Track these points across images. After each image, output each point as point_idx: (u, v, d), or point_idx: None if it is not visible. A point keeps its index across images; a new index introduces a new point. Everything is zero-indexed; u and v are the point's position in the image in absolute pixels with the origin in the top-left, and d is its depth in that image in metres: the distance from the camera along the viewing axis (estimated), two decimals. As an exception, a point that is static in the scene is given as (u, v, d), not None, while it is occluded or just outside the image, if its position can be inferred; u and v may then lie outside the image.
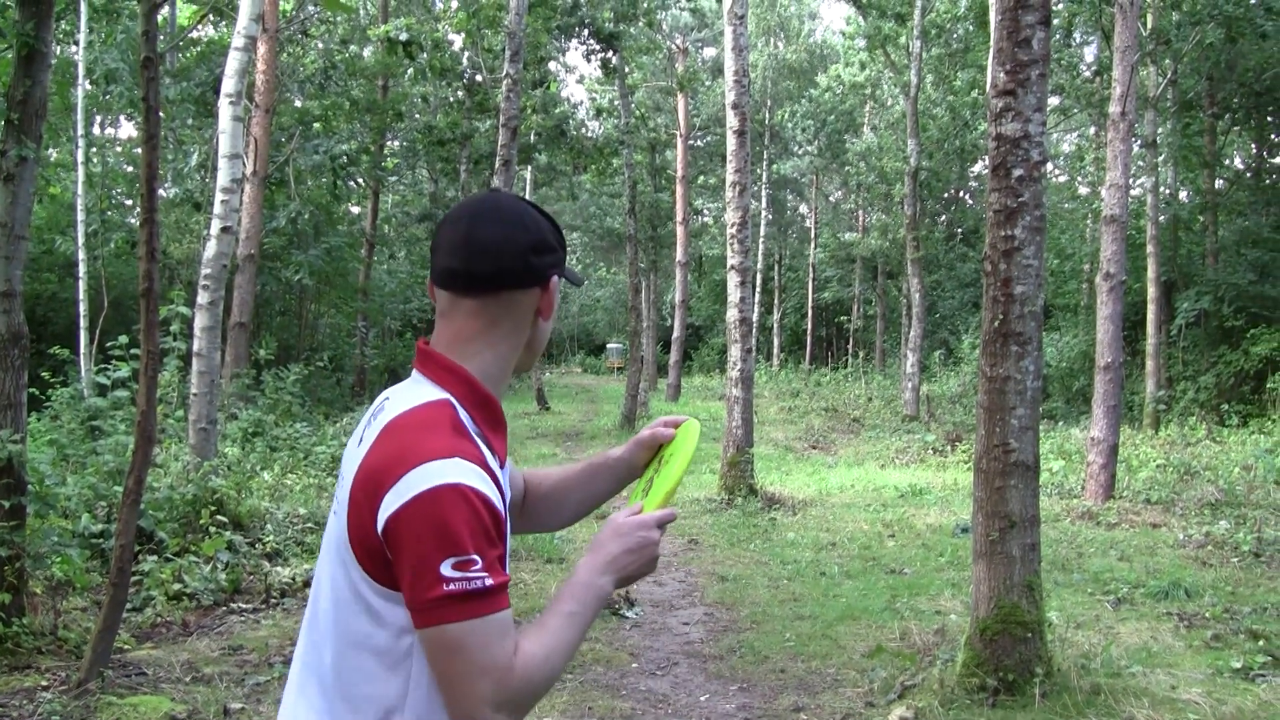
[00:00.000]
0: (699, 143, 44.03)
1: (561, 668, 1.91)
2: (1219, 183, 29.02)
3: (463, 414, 1.95)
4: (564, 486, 2.45)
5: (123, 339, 12.26)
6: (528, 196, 36.63)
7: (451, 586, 1.75)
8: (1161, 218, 24.65)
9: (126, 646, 7.21)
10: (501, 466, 2.02)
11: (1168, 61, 23.71)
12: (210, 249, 12.36)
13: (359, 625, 1.89)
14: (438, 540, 1.75)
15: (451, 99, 25.19)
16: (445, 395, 1.97)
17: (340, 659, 1.92)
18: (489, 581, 1.77)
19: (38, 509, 7.32)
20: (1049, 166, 38.82)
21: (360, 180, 26.30)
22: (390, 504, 1.79)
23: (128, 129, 32.82)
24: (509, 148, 11.56)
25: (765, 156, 45.61)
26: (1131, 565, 10.51)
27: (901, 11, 27.85)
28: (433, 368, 2.02)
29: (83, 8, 19.56)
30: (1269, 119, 28.52)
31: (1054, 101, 29.70)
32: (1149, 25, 21.84)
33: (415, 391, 2.00)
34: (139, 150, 6.63)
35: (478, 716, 1.79)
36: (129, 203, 25.55)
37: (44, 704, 5.96)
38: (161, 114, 12.92)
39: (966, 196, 51.61)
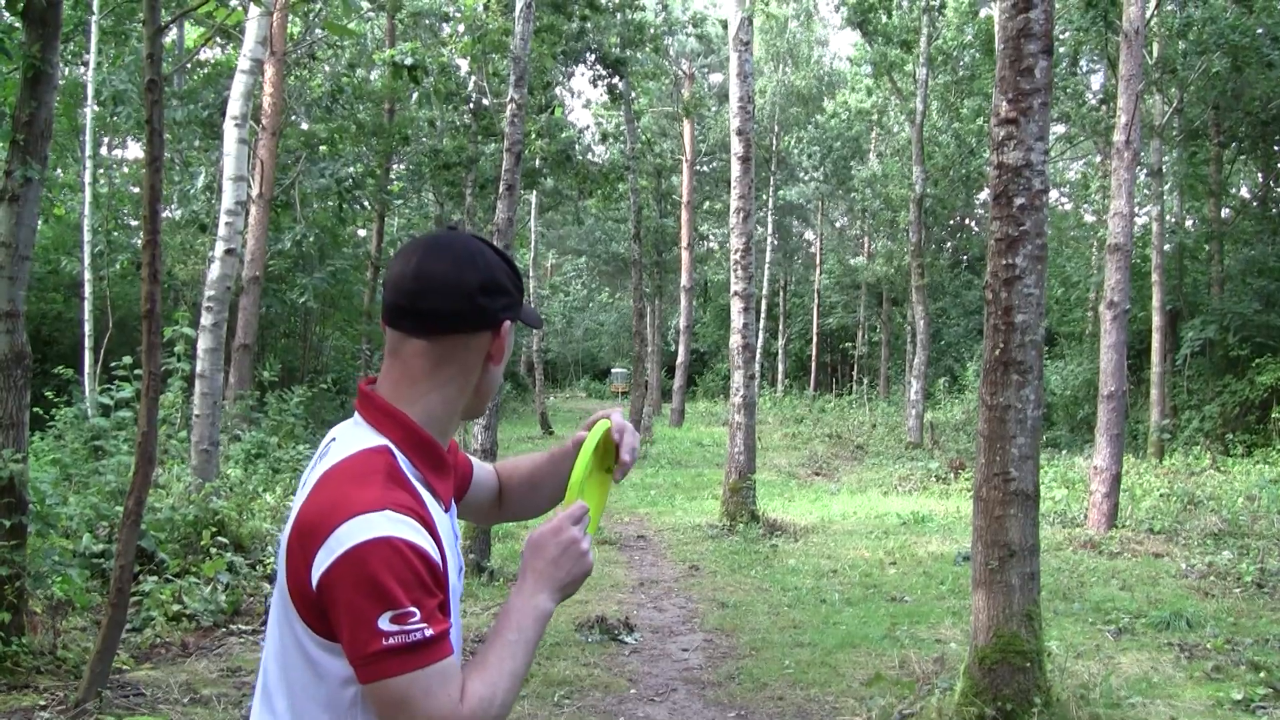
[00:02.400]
0: (705, 168, 44.06)
1: (512, 698, 1.86)
2: (1225, 211, 28.99)
3: (401, 460, 1.92)
4: (536, 476, 2.44)
5: (127, 359, 12.26)
6: (533, 221, 36.74)
7: (390, 641, 1.72)
8: (1167, 246, 24.65)
9: (125, 667, 7.21)
10: (446, 509, 2.00)
11: (1173, 90, 23.73)
12: (214, 271, 12.39)
13: (303, 676, 1.87)
14: (372, 596, 1.73)
15: (457, 123, 25.20)
16: (383, 441, 1.92)
17: (292, 709, 1.90)
18: (428, 632, 1.74)
19: (39, 528, 7.32)
20: (1054, 194, 38.98)
21: (366, 203, 26.30)
22: (323, 560, 1.76)
23: (135, 150, 32.91)
24: (513, 172, 11.57)
25: (771, 182, 45.65)
26: (1133, 595, 10.48)
27: (908, 39, 27.92)
28: (372, 411, 1.98)
29: (92, 29, 19.65)
30: (1275, 148, 28.51)
31: (1060, 129, 29.79)
32: (1155, 54, 21.90)
33: (354, 437, 1.96)
34: (144, 172, 6.64)
35: None
36: (135, 224, 25.57)
37: (41, 724, 5.95)
38: (167, 136, 12.97)
39: (972, 224, 51.61)
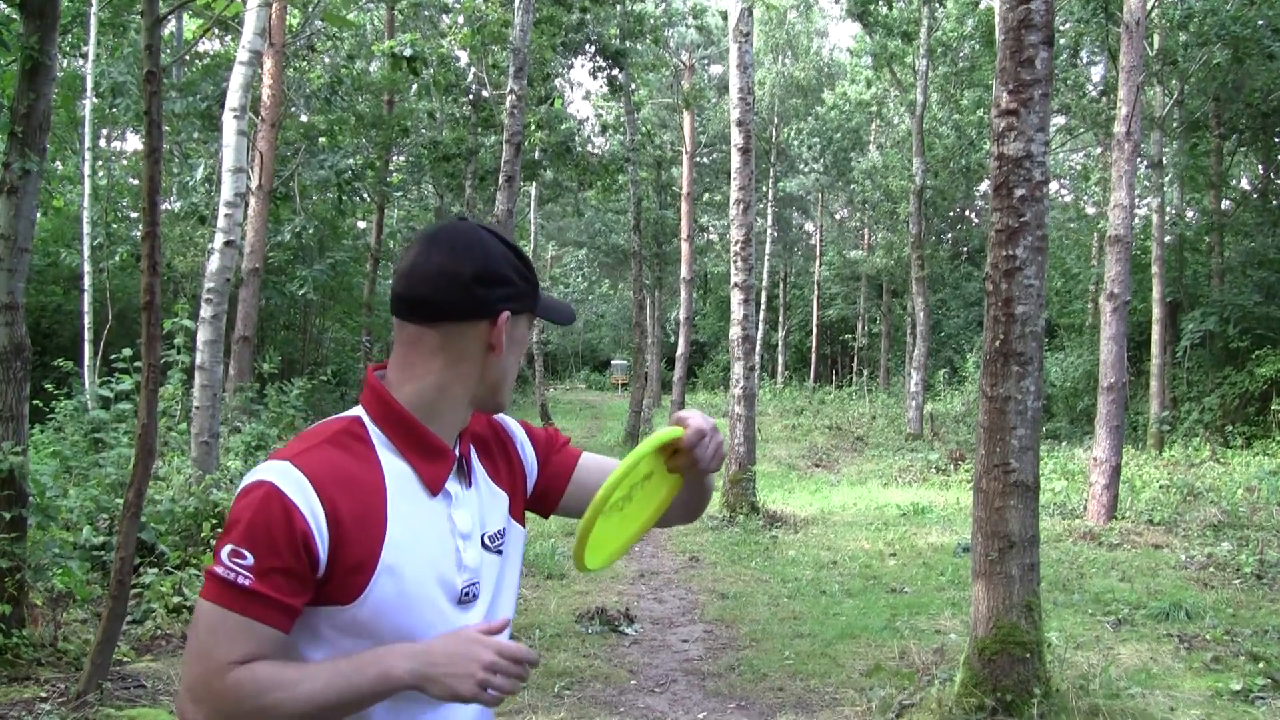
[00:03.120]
0: (705, 160, 44.01)
1: (291, 710, 1.78)
2: (1225, 203, 28.99)
3: (372, 429, 1.97)
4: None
5: (126, 351, 12.27)
6: (533, 213, 36.71)
7: (217, 569, 1.78)
8: (1167, 238, 24.65)
9: (126, 659, 7.21)
10: (433, 494, 1.98)
11: (1174, 82, 23.72)
12: (214, 263, 12.38)
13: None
14: (229, 525, 1.80)
15: (457, 115, 25.21)
16: (357, 412, 1.99)
17: None
18: (245, 581, 1.76)
19: (39, 521, 7.32)
20: (1054, 186, 38.92)
21: (365, 195, 26.26)
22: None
23: (134, 142, 32.88)
24: (513, 163, 11.57)
25: (771, 174, 45.59)
26: (1132, 586, 10.49)
27: (908, 30, 27.89)
28: (364, 388, 2.04)
29: (91, 21, 19.61)
30: (1276, 140, 28.48)
31: (1060, 121, 29.76)
32: (1155, 46, 21.88)
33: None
34: (143, 164, 6.63)
35: (180, 697, 1.82)
36: (134, 216, 25.54)
37: (43, 715, 5.96)
38: (166, 128, 12.95)
39: (972, 215, 51.58)
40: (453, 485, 2.03)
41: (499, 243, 2.02)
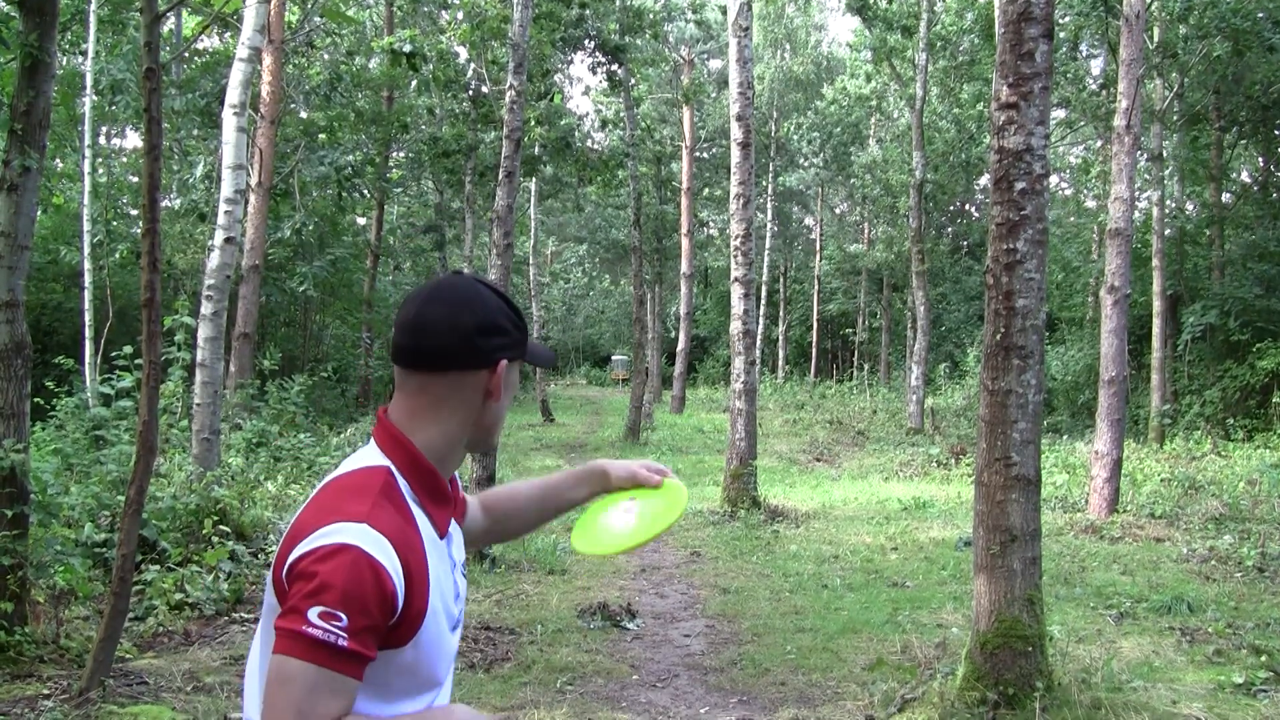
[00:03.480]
0: (704, 155, 44.03)
1: None
2: (1226, 196, 28.94)
3: (401, 482, 2.03)
4: (515, 509, 2.62)
5: (127, 349, 12.27)
6: (532, 208, 36.68)
7: (309, 630, 1.79)
8: (1168, 231, 24.62)
9: (128, 655, 7.21)
10: (442, 536, 2.11)
11: (1174, 74, 23.69)
12: (214, 259, 12.38)
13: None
14: (317, 588, 1.81)
15: (456, 110, 25.19)
16: (385, 463, 2.04)
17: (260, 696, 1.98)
18: (343, 642, 1.80)
19: (41, 518, 7.32)
20: (1055, 179, 38.90)
21: (365, 191, 26.28)
22: (298, 550, 1.86)
23: (134, 139, 32.88)
24: (512, 159, 11.56)
25: (771, 168, 45.60)
26: (1134, 579, 10.49)
27: (908, 24, 27.89)
28: (383, 435, 2.09)
29: (90, 18, 19.62)
30: (1276, 132, 28.44)
31: (1060, 114, 29.71)
32: (1155, 38, 21.85)
33: (362, 455, 2.10)
34: (143, 161, 6.63)
35: None
36: (134, 213, 25.57)
37: (45, 712, 5.96)
38: (166, 125, 12.95)
39: (972, 209, 51.60)
40: (452, 525, 2.19)
41: (494, 295, 2.13)
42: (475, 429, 2.13)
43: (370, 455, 2.07)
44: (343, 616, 1.79)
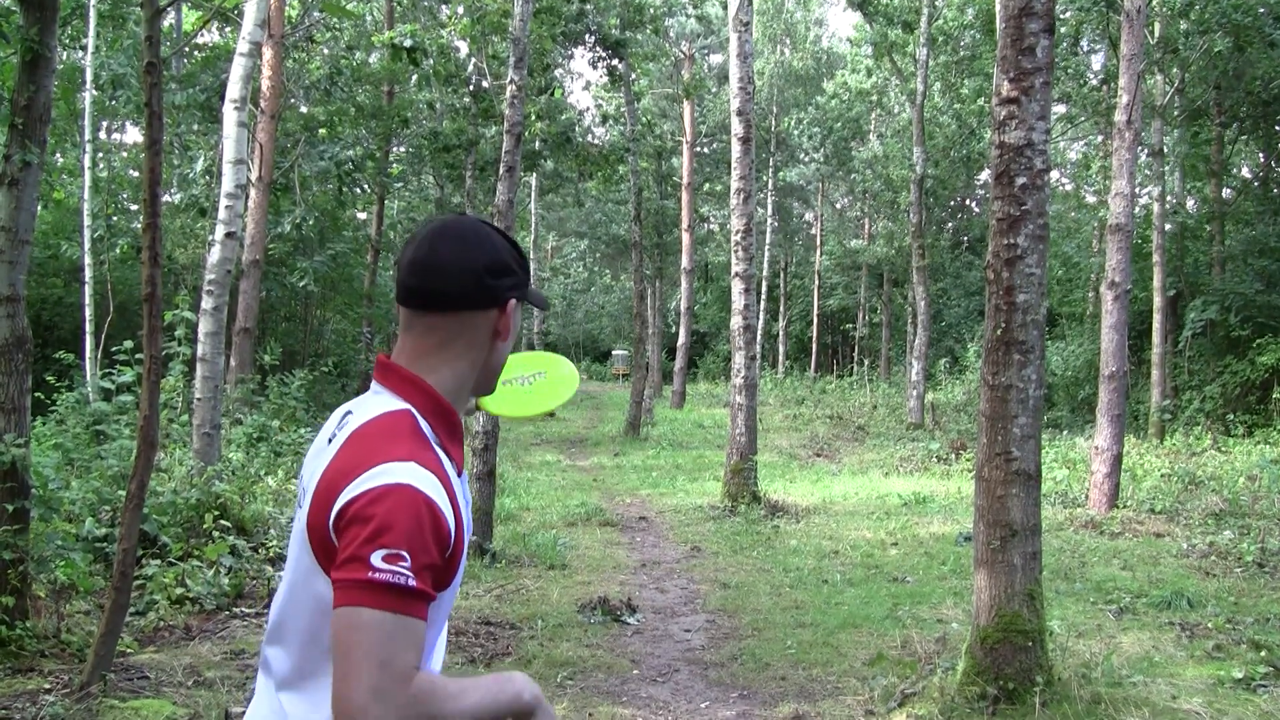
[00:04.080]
0: (705, 149, 44.00)
1: (452, 717, 1.85)
2: (1226, 192, 28.92)
3: (423, 423, 2.01)
4: None
5: (128, 343, 12.26)
6: (533, 203, 36.69)
7: (376, 575, 1.75)
8: (1168, 226, 24.60)
9: (129, 650, 7.22)
10: (459, 475, 2.08)
11: (1175, 70, 23.69)
12: (214, 254, 12.38)
13: (312, 621, 1.93)
14: (376, 530, 1.78)
15: (457, 105, 25.16)
16: (406, 405, 2.02)
17: (301, 658, 1.97)
18: (412, 582, 1.77)
19: (41, 513, 7.33)
20: (1055, 175, 38.88)
21: (366, 186, 26.27)
22: (345, 495, 1.83)
23: (134, 134, 32.87)
24: (513, 154, 11.55)
25: (771, 163, 45.59)
26: (1134, 575, 10.50)
27: (909, 19, 27.88)
28: (393, 379, 2.06)
29: (90, 13, 19.60)
30: (1277, 128, 28.43)
31: (1060, 109, 29.69)
32: (1156, 34, 21.83)
33: (376, 402, 2.05)
34: (144, 155, 6.63)
35: (355, 700, 1.73)
36: (134, 208, 25.54)
37: (46, 707, 5.96)
38: (166, 120, 12.96)
39: (973, 204, 51.57)
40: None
41: (498, 234, 2.12)
42: (483, 369, 2.13)
43: (385, 401, 2.04)
44: (406, 556, 1.77)
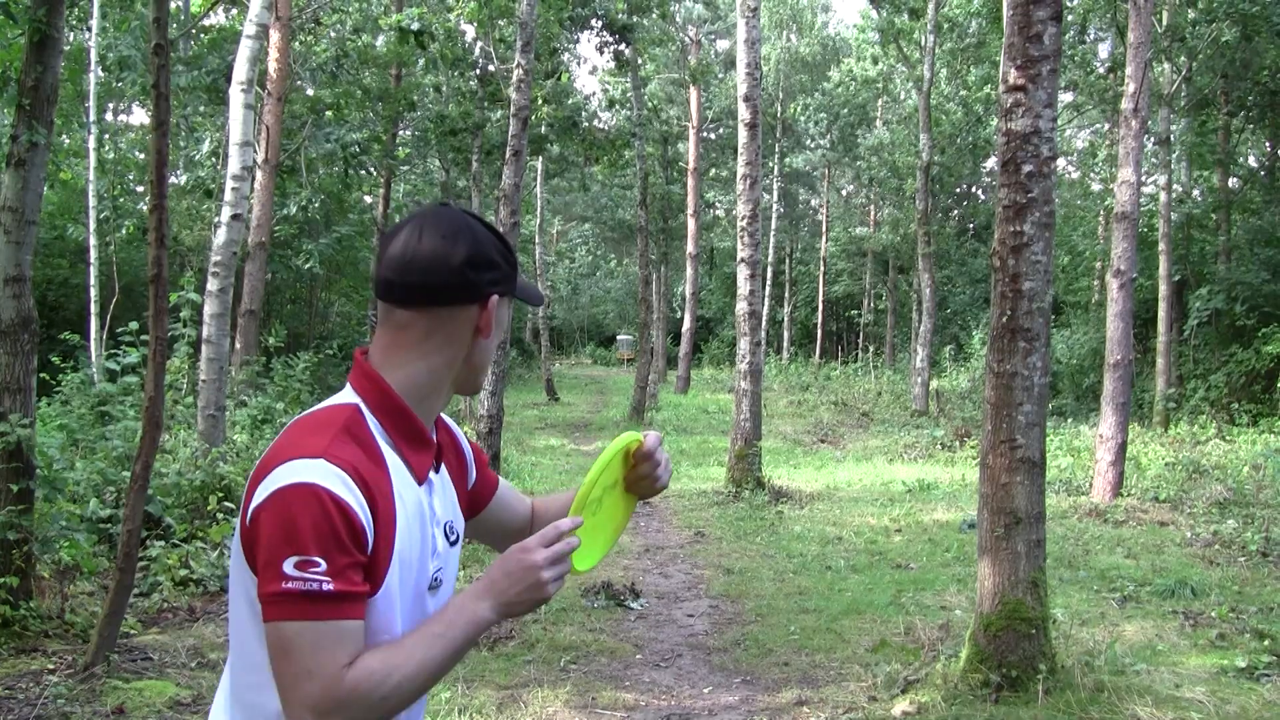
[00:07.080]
0: (711, 135, 43.99)
1: (413, 688, 1.84)
2: (1233, 181, 28.89)
3: (370, 421, 1.95)
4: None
5: (133, 325, 12.28)
6: (539, 187, 36.65)
7: (289, 585, 1.73)
8: (1174, 215, 24.56)
9: (133, 631, 7.23)
10: (420, 482, 2.00)
11: (1182, 58, 23.64)
12: (221, 236, 12.38)
13: (245, 628, 1.89)
14: (285, 537, 1.75)
15: (463, 89, 25.12)
16: (355, 401, 1.97)
17: (236, 662, 1.94)
18: (328, 586, 1.74)
19: (46, 493, 7.34)
20: (1061, 163, 38.81)
21: (372, 169, 26.24)
22: (256, 498, 1.80)
23: (140, 116, 32.91)
24: (519, 138, 11.55)
25: (777, 149, 45.56)
26: (1138, 563, 10.50)
27: (915, 6, 27.80)
28: (356, 374, 2.01)
29: (97, -6, 19.57)
30: (1284, 117, 28.42)
31: (1067, 97, 29.65)
32: (1164, 22, 21.78)
33: (334, 396, 2.02)
34: (151, 137, 6.62)
35: (300, 716, 1.76)
36: (140, 189, 25.54)
37: (50, 687, 5.98)
38: (173, 101, 12.95)
39: (979, 192, 51.51)
40: (432, 473, 2.06)
41: (483, 226, 2.03)
42: (464, 368, 2.04)
43: (341, 395, 2.00)
44: (319, 560, 1.73)
